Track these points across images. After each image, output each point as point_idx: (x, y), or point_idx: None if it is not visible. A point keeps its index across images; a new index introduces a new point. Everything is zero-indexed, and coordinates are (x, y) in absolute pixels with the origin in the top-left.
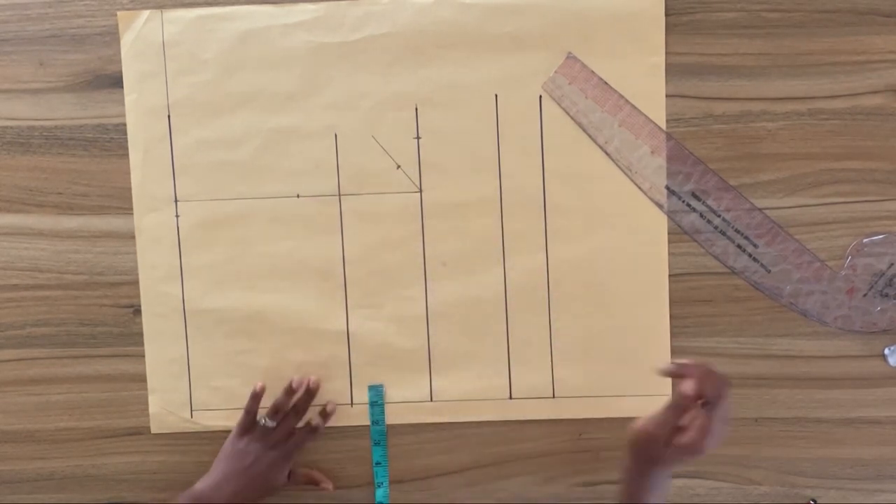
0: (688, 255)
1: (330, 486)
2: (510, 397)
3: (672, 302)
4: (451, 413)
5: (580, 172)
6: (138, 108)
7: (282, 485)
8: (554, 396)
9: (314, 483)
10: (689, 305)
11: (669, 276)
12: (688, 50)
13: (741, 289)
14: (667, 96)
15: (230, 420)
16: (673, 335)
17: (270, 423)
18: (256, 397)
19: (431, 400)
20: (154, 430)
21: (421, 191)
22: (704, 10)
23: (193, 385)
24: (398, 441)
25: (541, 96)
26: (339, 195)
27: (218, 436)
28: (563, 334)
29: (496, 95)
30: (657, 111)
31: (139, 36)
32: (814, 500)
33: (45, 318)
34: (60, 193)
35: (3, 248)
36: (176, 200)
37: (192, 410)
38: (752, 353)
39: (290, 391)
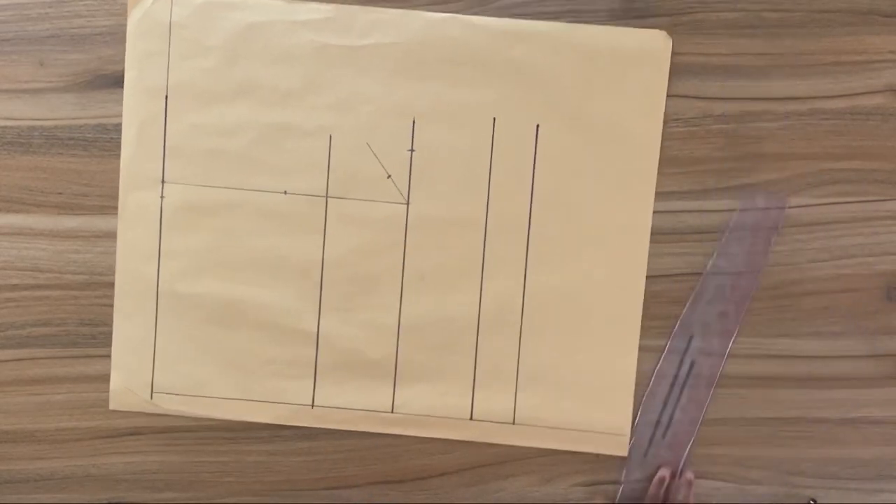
0: (688, 255)
1: None
2: (471, 418)
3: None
4: (410, 427)
5: (569, 203)
6: (137, 85)
7: None
8: (514, 423)
9: None
10: None
11: (667, 275)
12: (688, 50)
13: None
14: (667, 96)
15: (190, 406)
16: None
17: None
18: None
19: (392, 411)
20: (112, 406)
21: (408, 203)
22: (704, 10)
23: (157, 367)
24: (399, 440)
25: (538, 125)
26: (327, 197)
27: (219, 437)
28: (530, 362)
29: (494, 119)
30: (650, 162)
31: (147, 13)
32: (814, 500)
33: (45, 318)
34: (60, 193)
35: (3, 248)
36: (163, 181)
37: (153, 392)
38: (752, 353)
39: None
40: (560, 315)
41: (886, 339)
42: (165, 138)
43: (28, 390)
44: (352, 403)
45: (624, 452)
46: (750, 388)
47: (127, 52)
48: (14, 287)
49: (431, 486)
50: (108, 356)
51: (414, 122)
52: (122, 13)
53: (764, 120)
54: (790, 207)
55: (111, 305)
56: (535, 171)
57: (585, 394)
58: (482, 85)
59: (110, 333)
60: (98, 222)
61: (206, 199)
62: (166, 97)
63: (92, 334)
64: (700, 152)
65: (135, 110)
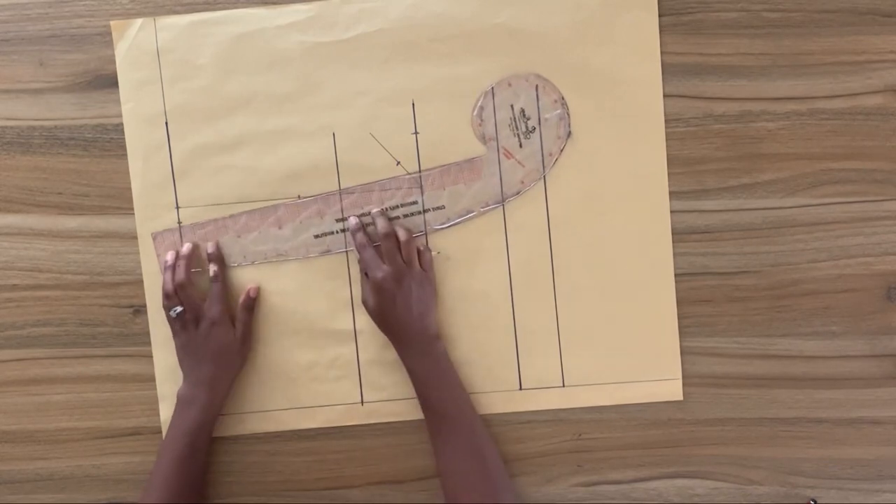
0: (688, 255)
1: (253, 291)
2: (520, 388)
3: None
4: None
5: (579, 158)
6: (136, 116)
7: (241, 345)
8: (564, 385)
9: (248, 309)
10: (689, 305)
11: None
12: (688, 50)
13: (741, 289)
14: (667, 96)
15: (239, 425)
16: None
17: (177, 310)
18: (166, 296)
19: None
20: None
21: (422, 186)
22: (704, 10)
23: None
24: (399, 440)
25: (537, 86)
26: (340, 194)
27: (219, 437)
28: (570, 322)
29: (492, 87)
30: (655, 105)
31: (133, 44)
32: (814, 500)
33: (45, 318)
34: (60, 193)
35: (3, 248)
36: (178, 207)
37: None
38: (752, 353)
39: (169, 269)
40: (591, 270)
41: (886, 339)
42: (172, 164)
43: (28, 390)
44: (399, 394)
45: (679, 396)
46: (750, 388)
47: (120, 86)
48: (14, 287)
49: (431, 486)
50: (108, 356)
51: (413, 104)
52: (122, 14)
53: (764, 120)
54: (790, 207)
55: (111, 305)
56: (542, 131)
57: (630, 344)
58: (475, 55)
59: (110, 333)
60: (98, 222)
61: (222, 216)
62: (166, 123)
63: (92, 334)
64: (700, 152)
65: (138, 141)
